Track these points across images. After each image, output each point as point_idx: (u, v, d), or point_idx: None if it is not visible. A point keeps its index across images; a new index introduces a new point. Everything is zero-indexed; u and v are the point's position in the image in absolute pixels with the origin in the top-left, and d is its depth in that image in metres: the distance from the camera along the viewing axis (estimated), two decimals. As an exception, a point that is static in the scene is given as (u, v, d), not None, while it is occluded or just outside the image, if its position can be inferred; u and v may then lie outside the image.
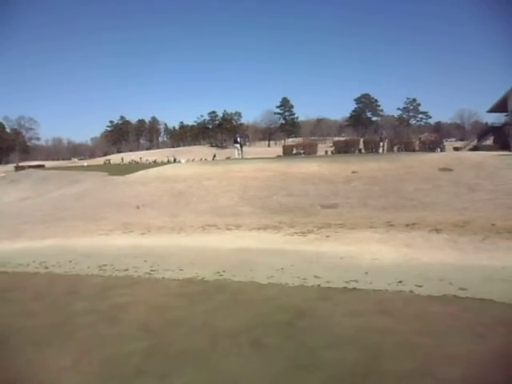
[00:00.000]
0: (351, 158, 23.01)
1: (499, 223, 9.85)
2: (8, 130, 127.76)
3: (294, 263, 6.68)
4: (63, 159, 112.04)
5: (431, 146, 48.34)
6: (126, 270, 6.62)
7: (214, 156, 66.55)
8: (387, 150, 34.10)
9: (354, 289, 5.13)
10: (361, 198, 14.41)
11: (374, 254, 7.18)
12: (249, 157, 33.74)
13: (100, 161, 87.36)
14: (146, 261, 7.24)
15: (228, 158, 42.81)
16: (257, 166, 19.82)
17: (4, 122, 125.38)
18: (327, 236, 9.16)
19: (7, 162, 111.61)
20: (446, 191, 14.42)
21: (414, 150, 46.83)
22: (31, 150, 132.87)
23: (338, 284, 5.34)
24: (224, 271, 6.24)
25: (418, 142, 52.97)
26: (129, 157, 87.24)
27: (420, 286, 5.12)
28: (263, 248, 8.15)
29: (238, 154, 28.70)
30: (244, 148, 29.96)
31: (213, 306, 4.69)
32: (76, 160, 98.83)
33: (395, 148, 48.95)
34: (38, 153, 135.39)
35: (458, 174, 16.39)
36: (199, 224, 11.84)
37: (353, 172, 17.74)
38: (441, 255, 7.09)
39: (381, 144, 31.94)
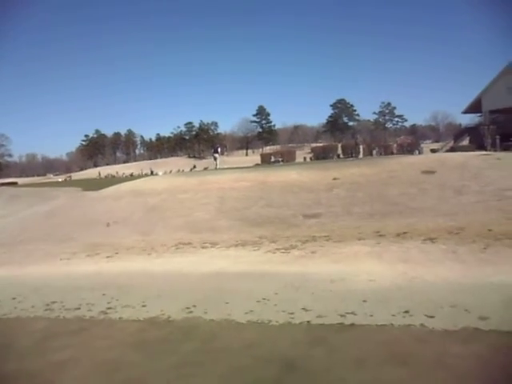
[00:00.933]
0: (331, 164, 22.31)
1: (495, 228, 9.14)
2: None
3: (277, 290, 5.69)
4: (38, 175, 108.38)
5: (409, 149, 48.50)
6: (78, 308, 5.53)
7: (194, 167, 65.07)
8: (364, 155, 33.65)
9: (353, 325, 4.19)
10: (344, 205, 13.60)
11: (369, 274, 6.26)
12: (225, 166, 32.85)
13: (77, 175, 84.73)
14: (104, 294, 6.17)
15: (206, 169, 41.82)
16: (234, 176, 18.87)
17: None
18: (313, 252, 8.19)
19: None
20: (432, 195, 13.75)
21: (392, 153, 46.89)
22: (4, 167, 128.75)
23: (332, 319, 4.38)
24: (195, 305, 5.22)
25: (395, 146, 53.23)
26: (105, 171, 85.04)
27: (431, 317, 4.23)
28: (242, 271, 7.10)
29: (216, 163, 28.03)
30: (219, 158, 29.20)
31: (178, 360, 3.67)
32: (51, 176, 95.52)
33: (374, 152, 48.97)
34: (11, 170, 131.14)
35: (442, 176, 15.77)
36: (172, 242, 10.76)
37: (334, 179, 16.97)
38: (443, 271, 6.21)
39: (357, 149, 31.46)
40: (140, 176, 45.25)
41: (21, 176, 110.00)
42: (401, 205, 12.71)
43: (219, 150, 30.50)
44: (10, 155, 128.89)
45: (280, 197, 15.04)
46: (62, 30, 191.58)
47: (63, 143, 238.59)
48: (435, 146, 62.73)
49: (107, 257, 9.80)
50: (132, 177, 50.46)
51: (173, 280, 6.88)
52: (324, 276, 6.32)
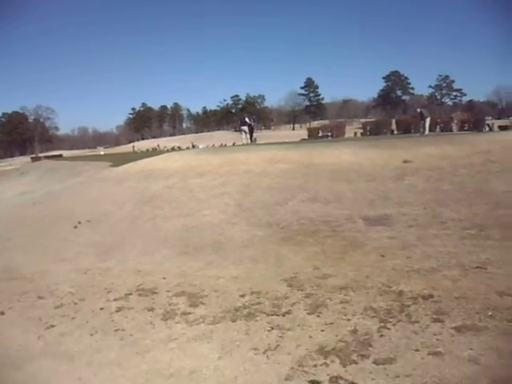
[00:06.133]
0: (397, 141, 17.30)
1: None
2: (30, 120, 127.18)
3: None
4: (89, 148, 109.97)
5: (472, 126, 41.90)
6: None
7: (255, 140, 59.82)
8: (429, 131, 27.90)
9: None
10: (427, 203, 8.99)
11: None
12: (269, 141, 28.40)
13: (124, 148, 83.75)
14: None
15: (255, 140, 37.69)
16: (270, 154, 14.57)
17: (22, 112, 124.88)
18: None
19: (31, 153, 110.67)
20: None
21: (451, 130, 40.71)
22: (54, 140, 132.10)
23: None
24: None
25: (455, 121, 46.49)
26: (149, 144, 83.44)
27: None
28: None
29: (246, 138, 23.23)
30: (248, 133, 23.81)
31: None
32: (101, 149, 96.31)
33: (437, 128, 42.70)
34: (63, 142, 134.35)
35: None
36: (128, 284, 6.15)
37: (404, 161, 12.26)
38: None
39: (422, 123, 25.74)
40: (180, 149, 42.40)
41: (72, 149, 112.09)
42: (525, 209, 7.92)
43: (248, 120, 24.04)
44: (57, 128, 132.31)
45: (329, 187, 10.65)
46: (110, 11, 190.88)
47: (114, 117, 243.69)
48: (505, 122, 55.07)
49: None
50: (173, 150, 47.71)
51: None
52: None
